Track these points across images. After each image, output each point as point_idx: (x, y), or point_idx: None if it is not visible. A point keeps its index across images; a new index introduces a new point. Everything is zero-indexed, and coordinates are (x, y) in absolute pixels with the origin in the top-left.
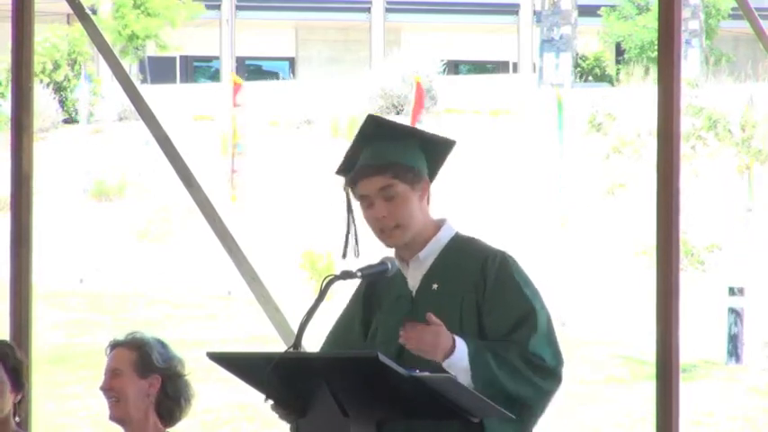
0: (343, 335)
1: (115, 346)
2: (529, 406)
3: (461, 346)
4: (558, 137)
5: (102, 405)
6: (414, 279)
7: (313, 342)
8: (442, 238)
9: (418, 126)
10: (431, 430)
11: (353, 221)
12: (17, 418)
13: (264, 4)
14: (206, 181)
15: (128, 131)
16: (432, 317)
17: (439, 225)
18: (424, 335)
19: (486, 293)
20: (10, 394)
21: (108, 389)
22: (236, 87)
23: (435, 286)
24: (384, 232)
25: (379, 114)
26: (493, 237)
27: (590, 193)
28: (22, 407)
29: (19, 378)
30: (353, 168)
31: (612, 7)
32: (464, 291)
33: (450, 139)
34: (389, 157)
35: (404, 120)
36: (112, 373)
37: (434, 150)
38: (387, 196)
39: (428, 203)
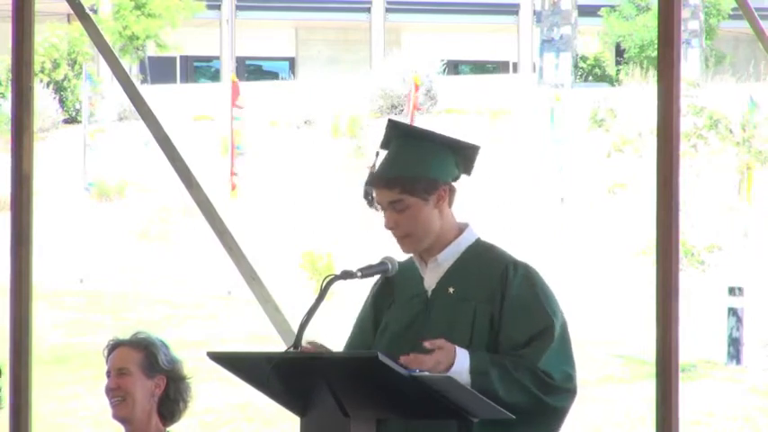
0: (358, 336)
1: (118, 345)
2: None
3: (462, 362)
4: (551, 137)
5: (102, 405)
6: (430, 280)
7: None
8: (463, 242)
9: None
10: (431, 430)
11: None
12: None
13: (264, 4)
14: (206, 181)
15: (128, 131)
16: (430, 344)
17: (461, 228)
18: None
19: (505, 304)
20: None
21: (115, 388)
22: (235, 88)
23: (451, 290)
24: (398, 238)
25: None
26: (493, 236)
27: (590, 192)
28: None
29: None
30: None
31: (612, 7)
32: (479, 299)
33: (474, 144)
34: (399, 170)
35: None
36: (119, 372)
37: (459, 154)
38: (397, 209)
39: (451, 205)
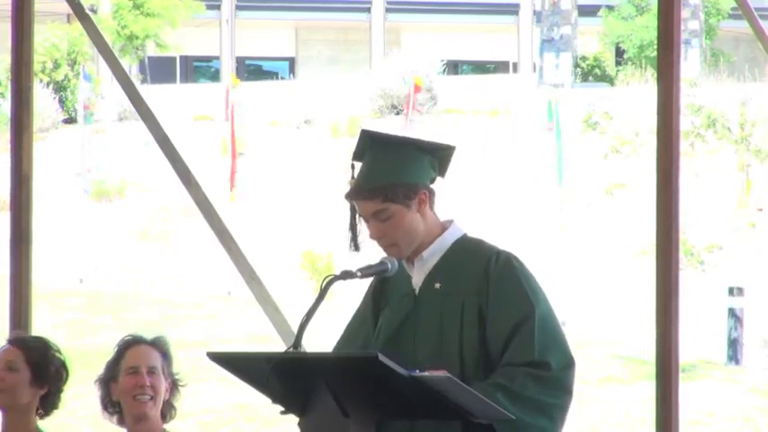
0: (357, 330)
1: (142, 342)
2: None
3: None
4: (550, 137)
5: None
6: (418, 278)
7: (313, 342)
8: (448, 238)
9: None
10: (431, 430)
11: (357, 221)
12: (40, 411)
13: (264, 4)
14: (206, 181)
15: (128, 131)
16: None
17: (445, 226)
18: None
19: (489, 294)
20: (30, 387)
21: (148, 386)
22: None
23: (438, 285)
24: (384, 248)
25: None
26: (493, 237)
27: (589, 193)
28: (48, 404)
29: (41, 372)
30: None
31: (611, 8)
32: (466, 293)
33: (449, 145)
34: (380, 179)
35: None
36: (150, 371)
37: (435, 155)
38: (381, 218)
39: (432, 207)
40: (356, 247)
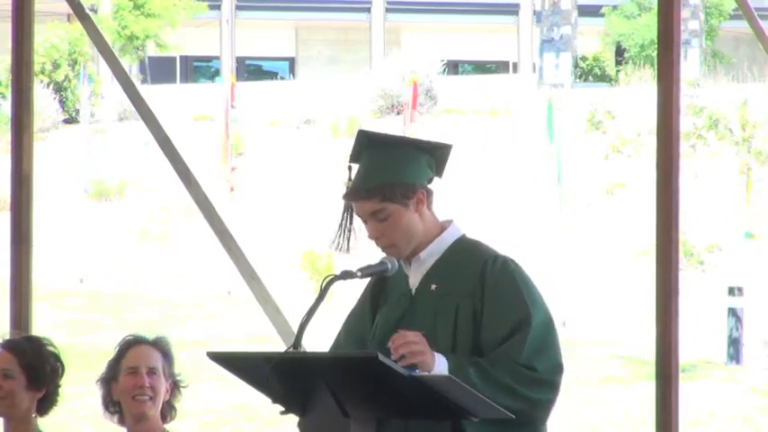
0: (355, 327)
1: (143, 343)
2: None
3: (440, 362)
4: (548, 137)
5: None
6: (415, 278)
7: (313, 342)
8: (446, 238)
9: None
10: (429, 430)
11: (350, 220)
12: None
13: (264, 4)
14: (206, 181)
15: (128, 131)
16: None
17: (444, 226)
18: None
19: (485, 298)
20: (27, 392)
21: (147, 386)
22: (233, 87)
23: (434, 287)
24: (383, 248)
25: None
26: (493, 237)
27: (589, 193)
28: (47, 403)
29: (36, 375)
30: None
31: (614, 7)
32: (461, 295)
33: (446, 144)
34: (377, 178)
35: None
36: (150, 371)
37: (433, 155)
38: (379, 218)
39: (430, 207)
40: (346, 248)
